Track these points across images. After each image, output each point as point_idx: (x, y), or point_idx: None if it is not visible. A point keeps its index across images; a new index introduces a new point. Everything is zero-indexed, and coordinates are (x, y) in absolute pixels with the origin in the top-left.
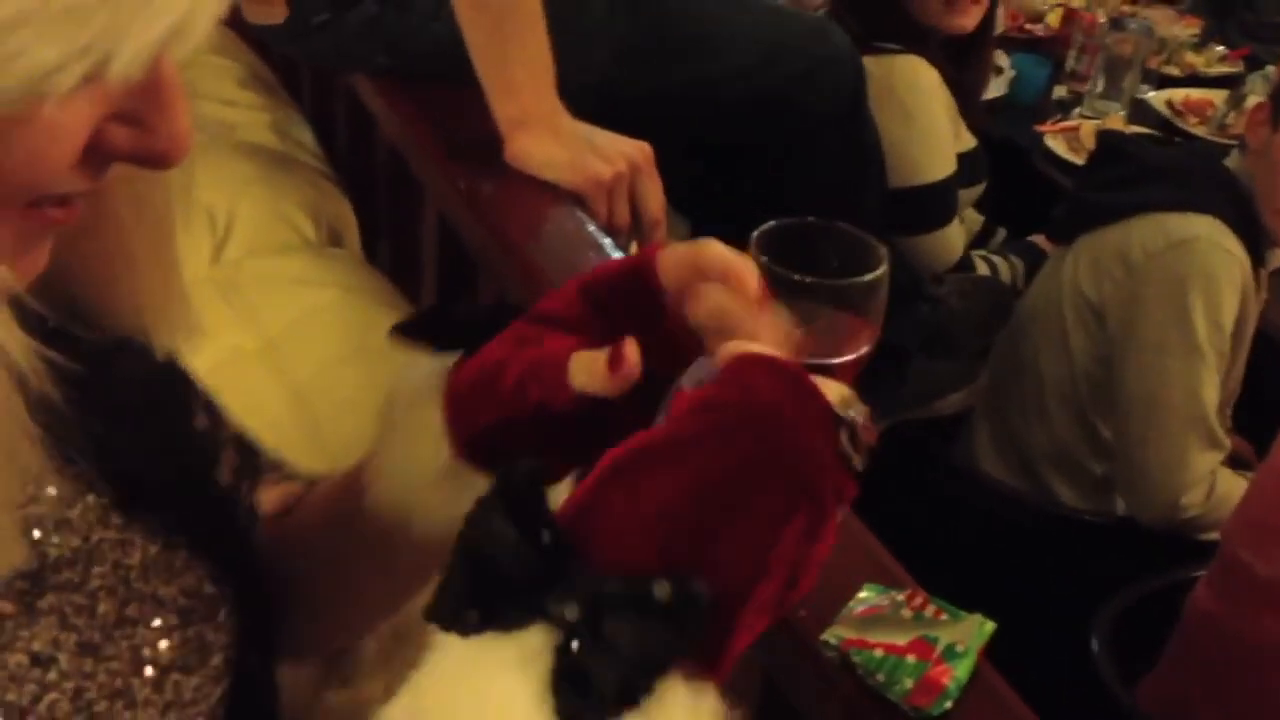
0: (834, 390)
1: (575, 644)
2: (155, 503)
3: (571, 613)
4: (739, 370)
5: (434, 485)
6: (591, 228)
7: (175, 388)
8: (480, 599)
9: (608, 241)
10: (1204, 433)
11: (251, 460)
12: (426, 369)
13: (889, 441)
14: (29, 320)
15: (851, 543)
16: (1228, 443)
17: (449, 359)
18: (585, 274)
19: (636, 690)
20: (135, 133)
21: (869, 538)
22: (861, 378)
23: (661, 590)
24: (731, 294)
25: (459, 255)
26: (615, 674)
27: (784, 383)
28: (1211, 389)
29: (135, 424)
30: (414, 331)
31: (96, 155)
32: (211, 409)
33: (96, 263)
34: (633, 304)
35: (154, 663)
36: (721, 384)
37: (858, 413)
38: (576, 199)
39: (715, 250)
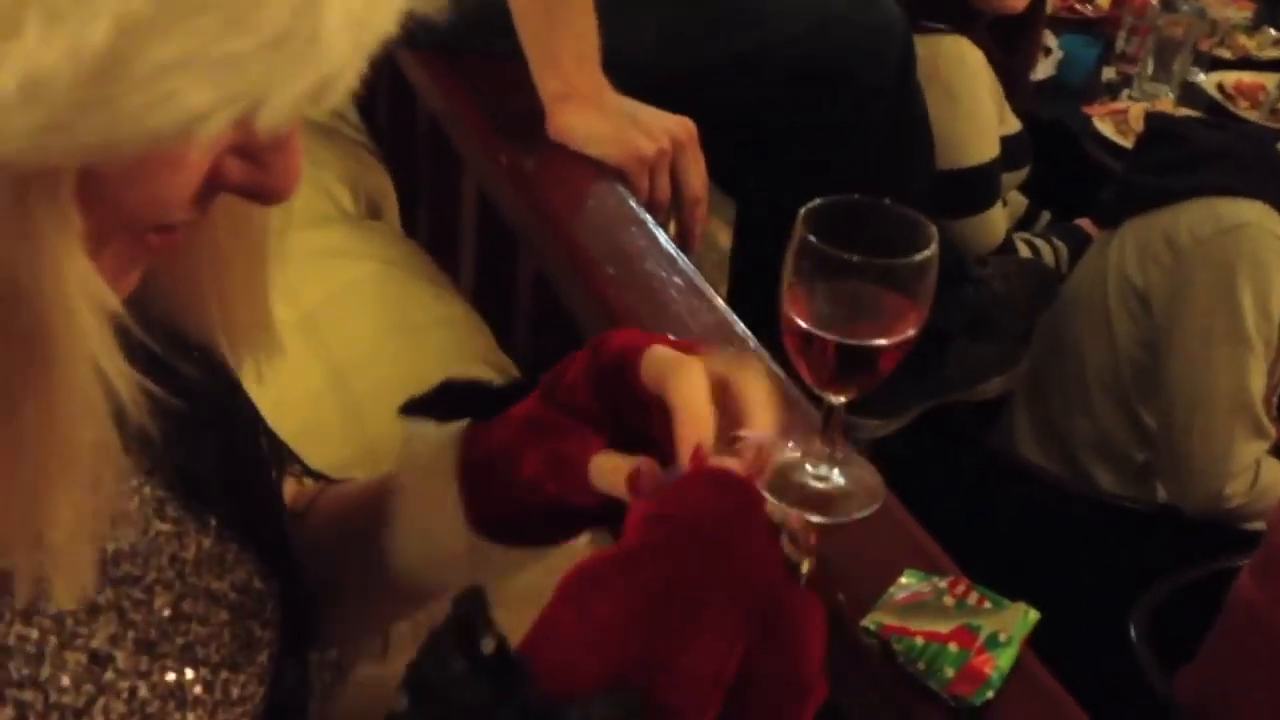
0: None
1: None
2: (209, 497)
3: None
4: (685, 484)
5: (450, 555)
6: (633, 203)
7: (236, 392)
8: None
9: (649, 218)
10: (1249, 422)
11: (278, 449)
12: (437, 437)
13: (929, 425)
14: (134, 351)
15: (893, 527)
16: (1273, 431)
17: (458, 425)
18: (594, 360)
19: None
20: (251, 168)
21: (910, 522)
22: (903, 360)
23: (601, 709)
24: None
25: (499, 230)
26: None
27: (725, 497)
28: (1259, 378)
29: (195, 421)
30: (424, 406)
31: (211, 188)
32: (247, 400)
33: (190, 285)
34: (626, 397)
35: (205, 661)
36: (669, 498)
37: (792, 518)
38: (618, 174)
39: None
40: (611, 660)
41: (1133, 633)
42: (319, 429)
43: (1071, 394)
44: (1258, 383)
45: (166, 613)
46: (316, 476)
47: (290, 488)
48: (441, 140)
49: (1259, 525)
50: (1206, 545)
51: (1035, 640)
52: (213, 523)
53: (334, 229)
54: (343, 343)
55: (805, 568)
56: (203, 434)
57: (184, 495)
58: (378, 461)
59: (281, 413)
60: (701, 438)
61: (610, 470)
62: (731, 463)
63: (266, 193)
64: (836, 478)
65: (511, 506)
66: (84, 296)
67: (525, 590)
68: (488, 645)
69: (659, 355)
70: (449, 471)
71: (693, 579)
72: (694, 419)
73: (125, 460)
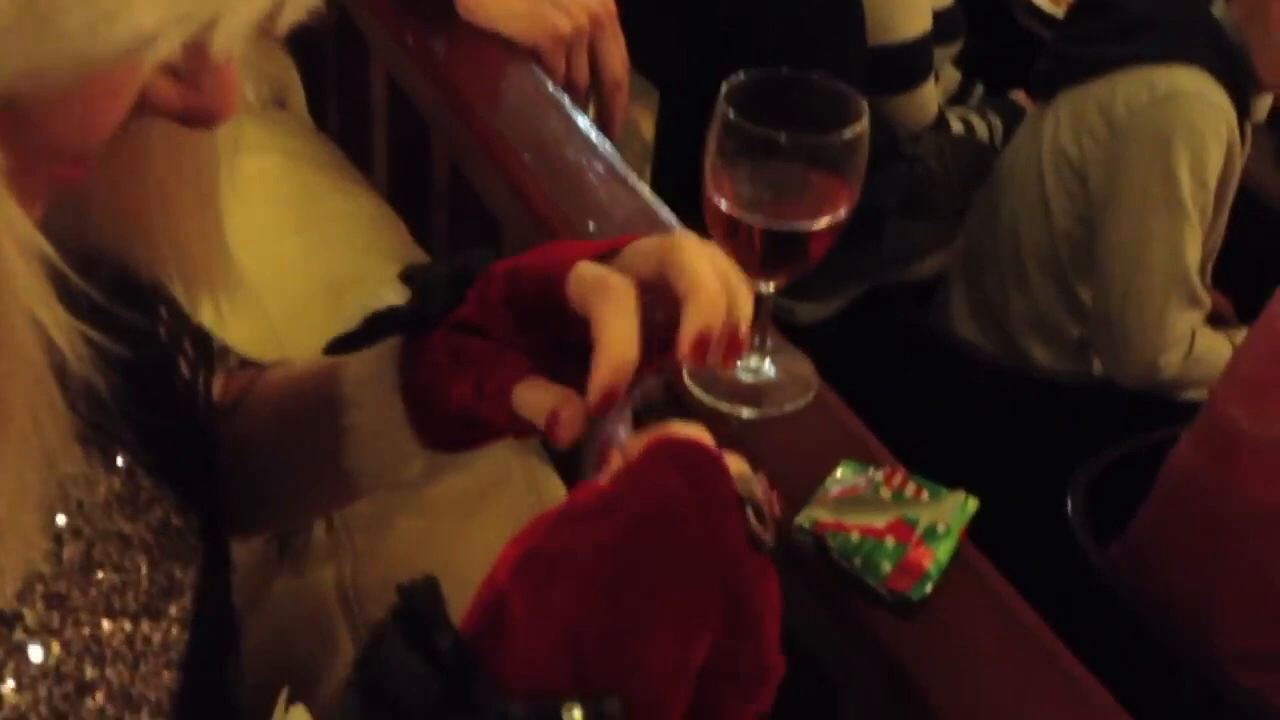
0: (734, 465)
1: None
2: (116, 435)
3: None
4: (640, 467)
5: (405, 465)
6: (550, 87)
7: (141, 297)
8: None
9: (567, 101)
10: (1185, 292)
11: (206, 350)
12: (375, 357)
13: (864, 309)
14: (75, 300)
15: (827, 418)
16: (1208, 301)
17: (393, 344)
18: (503, 280)
19: None
20: (183, 90)
21: (845, 412)
22: (836, 243)
23: (572, 716)
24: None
25: (410, 117)
26: None
27: (686, 475)
28: (1194, 247)
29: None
30: (349, 343)
31: (141, 112)
32: (171, 305)
33: (137, 224)
34: (556, 314)
35: (123, 611)
36: (624, 482)
37: (758, 487)
38: (533, 55)
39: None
40: (574, 658)
41: (1069, 507)
42: (219, 328)
43: (1007, 271)
44: (1194, 252)
45: (77, 562)
46: (250, 365)
47: (218, 382)
48: (346, 21)
49: (1195, 395)
50: (1143, 418)
51: (973, 522)
52: (121, 462)
53: (234, 119)
54: (245, 241)
55: (770, 540)
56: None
57: (88, 435)
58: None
59: None
60: (616, 383)
61: (533, 404)
62: (702, 432)
63: (202, 116)
64: (767, 369)
65: (452, 425)
66: (12, 240)
67: (445, 498)
68: (443, 641)
69: (585, 276)
70: (393, 393)
71: (655, 569)
72: (613, 362)
73: (71, 418)
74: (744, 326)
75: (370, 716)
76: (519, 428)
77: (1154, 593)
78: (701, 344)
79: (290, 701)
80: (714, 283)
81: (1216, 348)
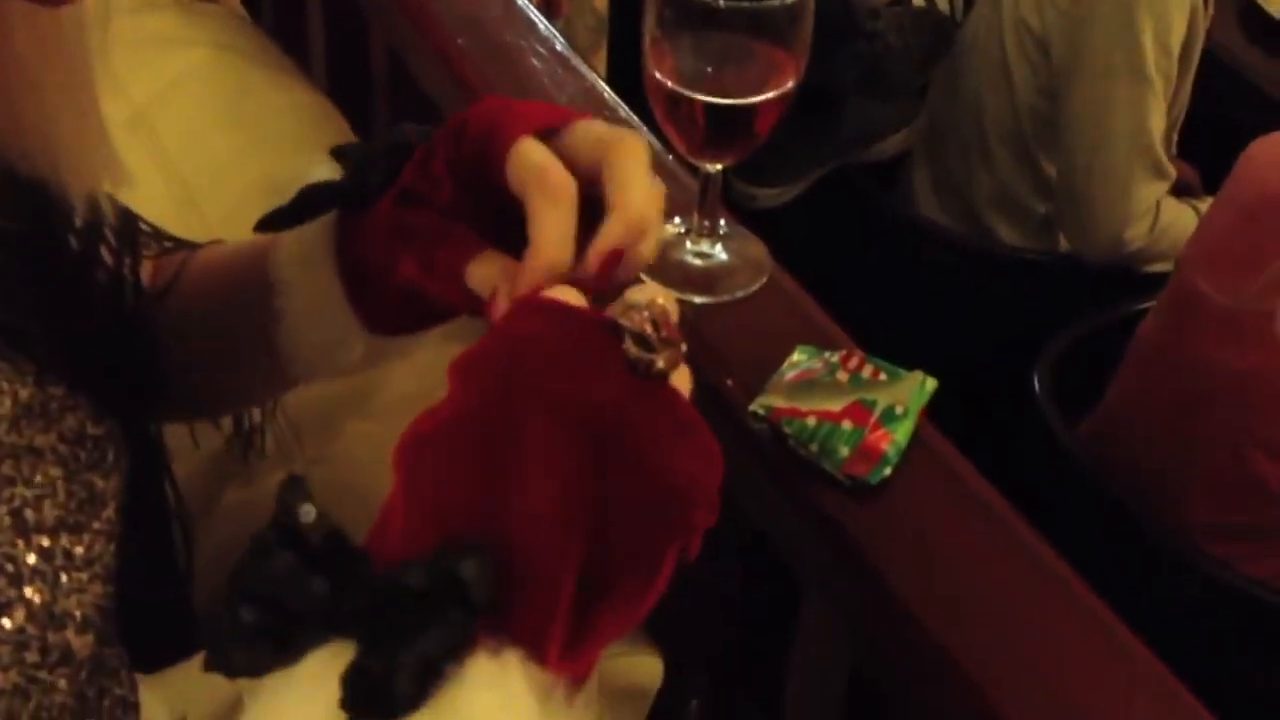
0: (633, 294)
1: (360, 652)
2: (21, 341)
3: (359, 620)
4: (503, 322)
5: (344, 348)
6: None
7: (45, 194)
8: (266, 634)
9: None
10: (1150, 163)
11: (131, 235)
12: (311, 235)
13: (826, 191)
14: None
15: (781, 302)
16: (1173, 171)
17: (328, 221)
18: (444, 148)
19: (425, 684)
20: None
21: (801, 295)
22: (795, 122)
23: (415, 576)
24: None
25: (347, 5)
26: (400, 673)
27: (540, 315)
28: (1158, 117)
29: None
30: (281, 219)
31: None
32: (90, 199)
33: (7, 115)
34: (496, 187)
35: (38, 527)
36: (485, 341)
37: (647, 307)
38: None
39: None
40: (448, 522)
41: (1036, 386)
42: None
43: (971, 147)
44: (1158, 122)
45: None
46: (184, 246)
47: (148, 266)
48: None
49: (1161, 268)
50: (1109, 293)
51: (937, 405)
52: (29, 370)
53: (162, 13)
54: (178, 139)
55: (662, 363)
56: (11, 277)
57: None
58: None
59: None
60: (543, 284)
61: (484, 280)
62: (570, 293)
63: None
64: (719, 254)
65: (396, 304)
66: None
67: (393, 401)
68: (314, 537)
69: (526, 163)
70: (329, 272)
71: (515, 417)
72: (543, 264)
73: None
74: (643, 258)
75: (260, 618)
76: (471, 305)
77: (1123, 469)
78: (611, 260)
79: None
80: (642, 206)
81: (1182, 219)
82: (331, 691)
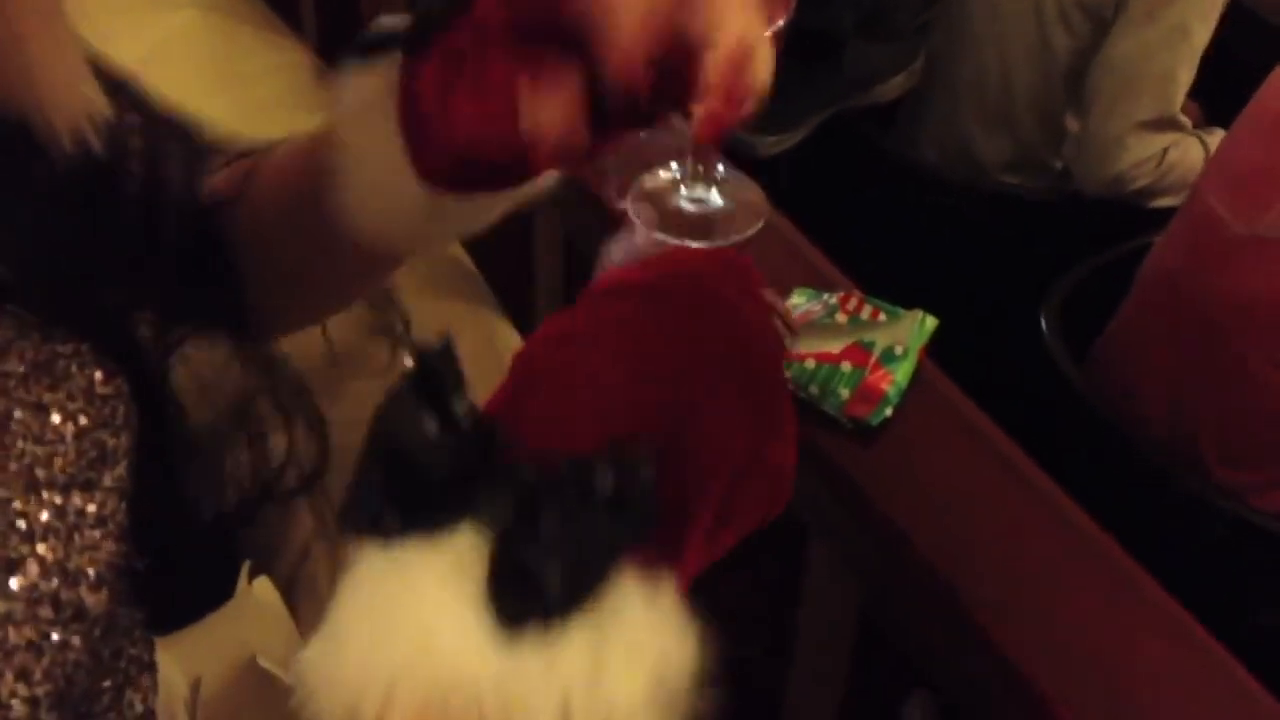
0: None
1: (509, 545)
2: (27, 298)
3: (505, 508)
4: (670, 255)
5: (406, 210)
6: None
7: (28, 136)
8: (400, 501)
9: None
10: (1169, 111)
11: (188, 154)
12: (369, 85)
13: (828, 135)
14: None
15: (780, 245)
16: (1188, 123)
17: (388, 69)
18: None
19: (582, 590)
20: None
21: (799, 238)
22: (795, 68)
23: (604, 476)
24: None
25: None
26: (557, 574)
27: (718, 262)
28: (1189, 70)
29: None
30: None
31: None
32: (77, 135)
33: None
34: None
35: (49, 484)
36: (653, 268)
37: (778, 300)
38: None
39: None
40: (610, 429)
41: (1044, 325)
42: None
43: (990, 111)
44: (1186, 75)
45: None
46: (253, 152)
47: (219, 178)
48: None
49: (1166, 202)
50: (1114, 231)
51: (942, 348)
52: (36, 327)
53: None
54: (169, 103)
55: (791, 344)
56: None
57: None
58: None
59: None
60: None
61: (534, 110)
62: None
63: None
64: (715, 199)
65: (456, 150)
66: None
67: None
68: (460, 406)
69: None
70: (387, 120)
71: (691, 348)
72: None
73: None
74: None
75: (391, 476)
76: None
77: (1132, 403)
78: (722, 111)
79: (252, 575)
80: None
81: (1190, 154)
82: (468, 582)
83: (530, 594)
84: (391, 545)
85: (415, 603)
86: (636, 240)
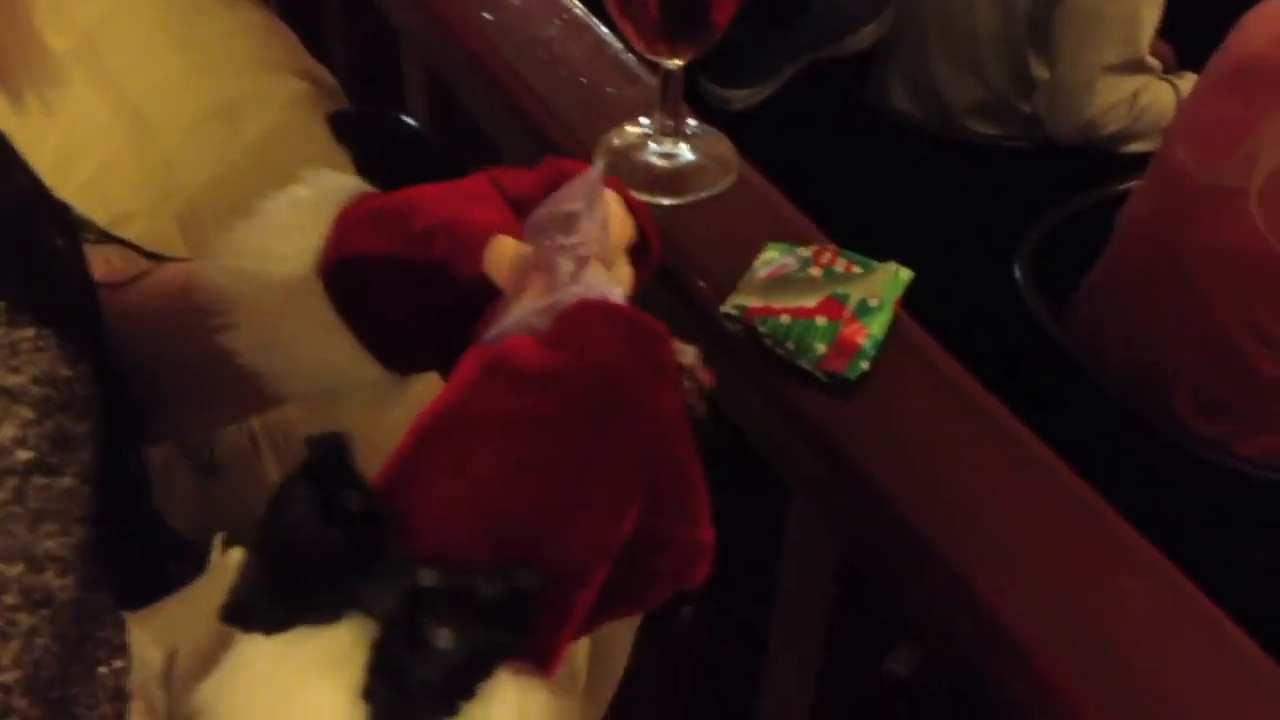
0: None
1: (391, 642)
2: None
3: (388, 606)
4: (573, 323)
5: (351, 388)
6: None
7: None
8: (286, 591)
9: None
10: (1136, 54)
11: (65, 216)
12: (334, 183)
13: (799, 87)
14: None
15: (751, 200)
16: (1157, 64)
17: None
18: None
19: (458, 693)
20: None
21: (771, 192)
22: (764, 19)
23: (490, 586)
24: None
25: None
26: (435, 676)
27: (624, 335)
28: (1152, 9)
29: None
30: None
31: None
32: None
33: None
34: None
35: (10, 469)
36: (556, 340)
37: (693, 355)
38: None
39: None
40: (492, 526)
41: (1018, 273)
42: (116, 166)
43: (959, 55)
44: (1151, 14)
45: None
46: (139, 251)
47: (99, 265)
48: None
49: (1139, 148)
50: (1089, 178)
51: (918, 300)
52: None
53: None
54: (126, 67)
55: (702, 412)
56: None
57: None
58: (184, 191)
59: (73, 157)
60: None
61: (508, 255)
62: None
63: None
64: (685, 153)
65: (381, 262)
66: None
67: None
68: (350, 500)
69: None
70: (318, 219)
71: (590, 445)
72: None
73: None
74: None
75: (277, 567)
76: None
77: (1109, 353)
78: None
79: (226, 546)
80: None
81: (1161, 99)
82: (347, 676)
83: (405, 694)
84: (274, 635)
85: (292, 691)
86: (528, 309)
